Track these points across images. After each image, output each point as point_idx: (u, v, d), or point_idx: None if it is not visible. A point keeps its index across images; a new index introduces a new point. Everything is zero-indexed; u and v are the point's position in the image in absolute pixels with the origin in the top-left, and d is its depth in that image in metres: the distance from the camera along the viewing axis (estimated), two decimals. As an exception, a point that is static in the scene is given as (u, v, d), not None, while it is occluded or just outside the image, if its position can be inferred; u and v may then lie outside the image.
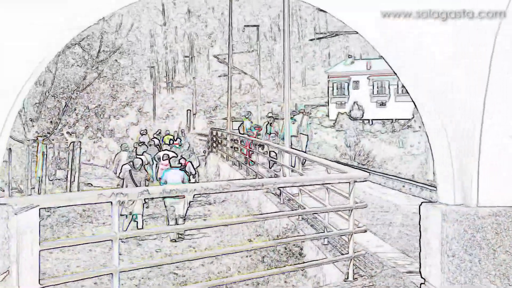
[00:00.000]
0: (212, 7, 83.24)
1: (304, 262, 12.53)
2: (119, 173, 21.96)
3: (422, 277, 8.51)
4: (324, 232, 12.34)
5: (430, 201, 8.12)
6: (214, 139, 34.87)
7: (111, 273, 7.65)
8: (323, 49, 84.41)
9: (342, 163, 34.04)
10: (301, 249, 14.08)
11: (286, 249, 14.46)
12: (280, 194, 18.63)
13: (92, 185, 30.08)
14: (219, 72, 75.14)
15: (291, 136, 26.86)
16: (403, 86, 68.76)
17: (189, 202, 21.83)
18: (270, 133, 26.52)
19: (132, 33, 73.48)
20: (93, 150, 34.50)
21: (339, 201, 15.05)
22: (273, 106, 76.17)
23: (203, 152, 39.41)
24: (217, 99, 77.66)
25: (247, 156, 24.43)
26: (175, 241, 18.80)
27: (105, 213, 24.61)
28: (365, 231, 10.72)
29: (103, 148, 39.66)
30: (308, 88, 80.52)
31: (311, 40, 74.47)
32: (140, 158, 19.58)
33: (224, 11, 76.82)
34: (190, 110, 71.94)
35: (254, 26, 59.97)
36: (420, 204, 8.02)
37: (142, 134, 36.02)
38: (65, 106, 22.64)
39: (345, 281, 10.46)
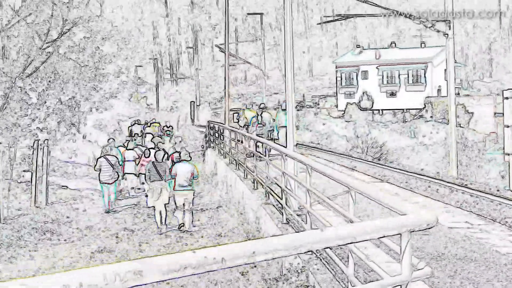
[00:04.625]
0: (216, -2, 77.77)
1: None
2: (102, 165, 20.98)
3: None
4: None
5: None
6: (212, 133, 29.64)
7: None
8: (330, 39, 78.78)
9: (354, 158, 28.57)
10: (313, 305, 8.77)
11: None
12: (282, 208, 13.34)
13: (67, 187, 24.87)
14: (223, 62, 69.81)
15: (281, 126, 23.52)
16: (413, 75, 63.29)
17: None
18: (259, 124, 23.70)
19: (115, 16, 68.03)
20: (75, 146, 29.21)
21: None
22: (280, 97, 70.87)
23: (201, 147, 34.21)
24: (222, 91, 72.39)
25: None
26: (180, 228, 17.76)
27: (73, 226, 19.30)
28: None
29: (92, 143, 34.57)
30: (316, 78, 75.01)
31: (319, 24, 68.93)
32: (163, 150, 18.88)
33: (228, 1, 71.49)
34: (194, 102, 66.66)
35: (258, 14, 54.64)
36: None
37: (133, 124, 32.81)
38: (6, 97, 17.43)
39: None
